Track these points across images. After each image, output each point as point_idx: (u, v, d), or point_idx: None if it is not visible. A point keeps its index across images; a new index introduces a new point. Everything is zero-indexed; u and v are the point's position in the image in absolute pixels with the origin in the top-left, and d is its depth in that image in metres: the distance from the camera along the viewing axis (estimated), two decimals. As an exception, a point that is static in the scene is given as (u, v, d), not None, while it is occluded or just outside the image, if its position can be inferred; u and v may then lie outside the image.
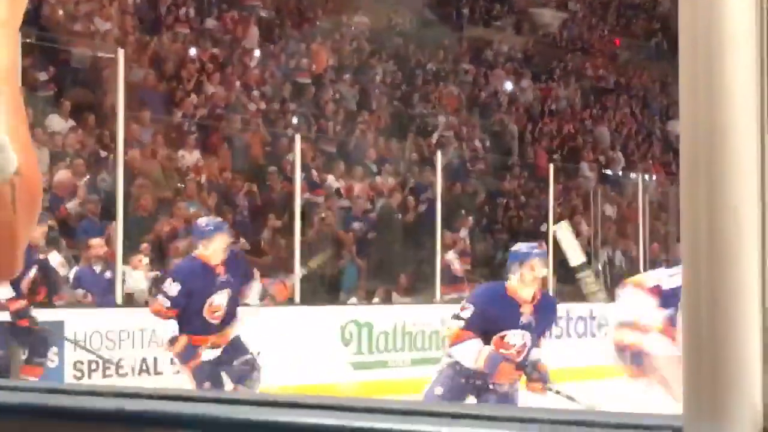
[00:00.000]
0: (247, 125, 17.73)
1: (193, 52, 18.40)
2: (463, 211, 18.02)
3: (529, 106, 23.71)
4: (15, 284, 9.89)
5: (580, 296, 17.69)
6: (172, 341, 9.13)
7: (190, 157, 16.10)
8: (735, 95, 1.15)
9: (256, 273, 10.21)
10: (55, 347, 11.01)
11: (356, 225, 16.81)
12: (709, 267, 1.15)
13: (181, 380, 9.65)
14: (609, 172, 22.73)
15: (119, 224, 12.11)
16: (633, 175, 20.97)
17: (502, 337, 7.74)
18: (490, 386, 7.71)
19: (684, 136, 1.17)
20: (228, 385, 9.26)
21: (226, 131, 17.27)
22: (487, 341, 7.69)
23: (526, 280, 7.87)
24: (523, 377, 8.06)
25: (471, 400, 7.73)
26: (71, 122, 15.15)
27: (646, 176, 20.87)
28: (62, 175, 14.04)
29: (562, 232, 16.34)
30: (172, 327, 9.09)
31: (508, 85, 23.92)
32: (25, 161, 1.29)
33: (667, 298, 7.35)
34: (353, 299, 15.57)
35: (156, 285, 9.79)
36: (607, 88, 26.29)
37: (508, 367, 7.68)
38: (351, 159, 18.20)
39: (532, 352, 7.95)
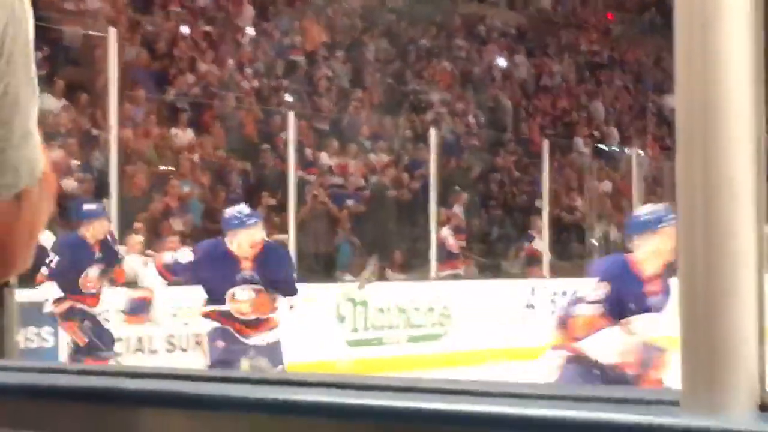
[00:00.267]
0: (240, 103, 17.70)
1: (185, 30, 18.35)
2: (457, 188, 18.02)
3: (523, 82, 23.68)
4: (70, 283, 10.11)
5: (575, 272, 17.71)
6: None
7: (184, 135, 16.08)
8: (730, 66, 1.14)
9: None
10: (50, 327, 11.02)
11: (350, 202, 16.80)
12: (704, 239, 1.14)
13: (178, 360, 9.68)
14: (603, 147, 22.72)
15: (113, 203, 12.10)
16: (627, 150, 20.96)
17: (627, 324, 6.16)
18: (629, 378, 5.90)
19: (679, 107, 1.17)
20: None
21: (219, 109, 17.24)
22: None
23: (660, 250, 6.06)
24: None
25: None
26: (64, 102, 15.12)
27: (641, 151, 20.86)
28: (55, 154, 14.02)
29: None
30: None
31: (502, 61, 23.89)
32: (45, 158, 1.32)
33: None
34: (348, 276, 15.58)
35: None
36: (601, 63, 26.26)
37: (662, 359, 6.02)
38: (344, 136, 18.18)
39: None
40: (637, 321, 6.15)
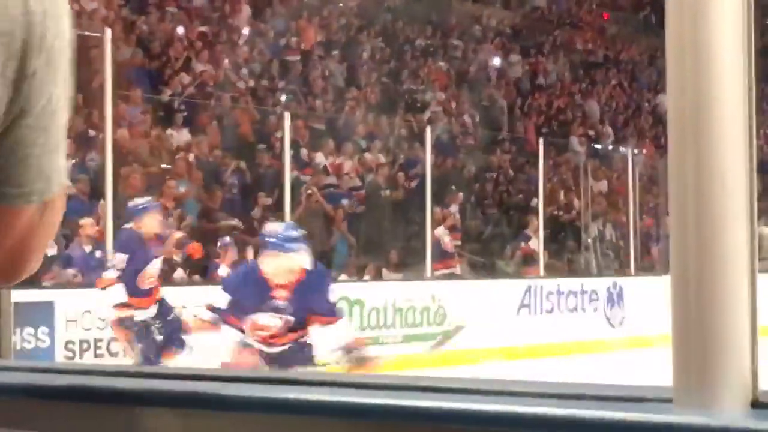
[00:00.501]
0: (235, 103, 17.70)
1: (180, 30, 18.34)
2: (453, 187, 18.02)
3: (518, 81, 23.69)
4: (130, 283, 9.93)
5: (570, 271, 17.76)
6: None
7: (179, 135, 16.07)
8: (722, 62, 1.15)
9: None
10: (46, 327, 11.02)
11: (346, 202, 16.80)
12: (697, 236, 1.15)
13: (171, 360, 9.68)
14: (599, 146, 22.73)
15: (108, 204, 12.09)
16: (623, 149, 20.97)
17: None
18: None
19: (671, 105, 1.17)
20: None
21: (214, 109, 17.23)
22: None
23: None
24: None
25: None
26: (59, 102, 15.08)
27: (636, 150, 20.88)
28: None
29: None
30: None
31: (497, 61, 23.89)
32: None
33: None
34: (344, 276, 15.57)
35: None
36: (596, 62, 26.28)
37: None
38: (340, 136, 18.18)
39: None
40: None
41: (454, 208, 17.73)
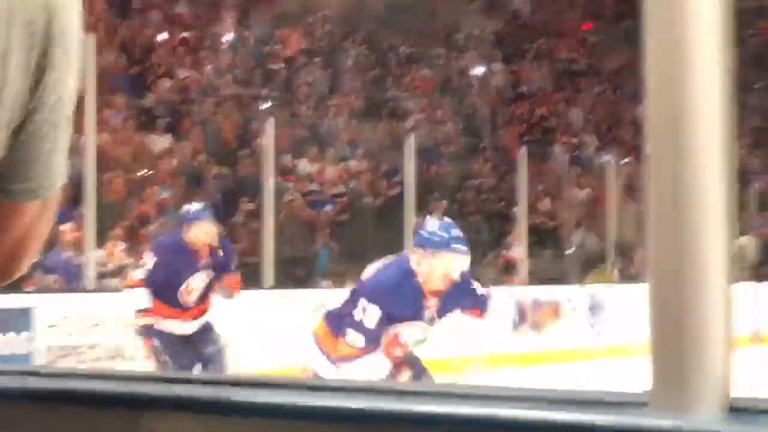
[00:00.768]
0: (218, 109, 17.68)
1: (164, 36, 18.33)
2: (435, 194, 18.03)
3: (501, 89, 23.72)
4: (165, 293, 9.18)
5: (552, 280, 17.77)
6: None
7: (162, 141, 16.05)
8: (699, 72, 1.16)
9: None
10: (28, 332, 10.99)
11: (328, 208, 16.80)
12: (674, 243, 1.16)
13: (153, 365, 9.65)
14: (581, 154, 22.77)
15: (90, 209, 12.07)
16: (605, 158, 21.01)
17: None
18: None
19: (649, 115, 1.19)
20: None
21: (197, 115, 17.22)
22: None
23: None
24: None
25: None
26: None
27: (619, 158, 20.93)
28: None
29: None
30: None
31: (480, 68, 23.92)
32: None
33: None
34: (325, 283, 15.56)
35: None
36: (578, 70, 26.32)
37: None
38: (323, 143, 18.19)
39: None
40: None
41: (436, 216, 17.73)
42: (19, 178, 1.25)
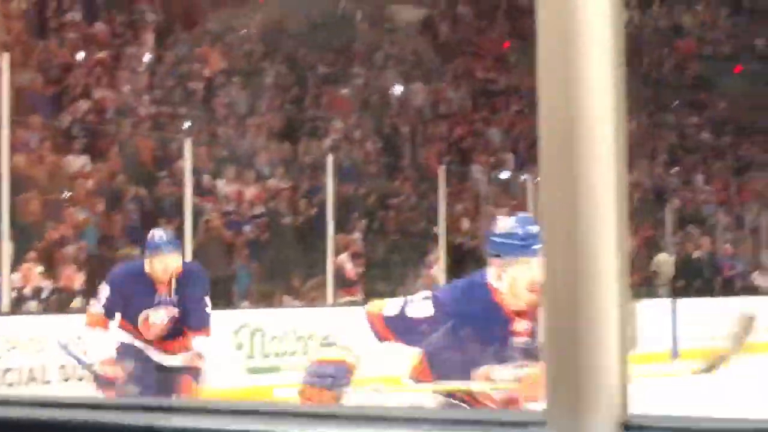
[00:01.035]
0: (137, 129, 17.57)
1: (81, 56, 18.18)
2: (355, 214, 18.05)
3: (420, 109, 23.82)
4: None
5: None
6: None
7: (79, 161, 15.91)
8: (591, 82, 1.17)
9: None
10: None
11: (248, 228, 16.75)
12: (567, 260, 1.17)
13: (70, 389, 9.56)
14: (500, 173, 22.90)
15: (4, 231, 11.92)
16: (524, 177, 21.16)
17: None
18: None
19: (543, 132, 1.19)
20: None
21: (115, 136, 17.09)
22: None
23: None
24: None
25: None
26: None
27: (537, 177, 21.08)
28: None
29: None
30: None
31: (400, 88, 24.00)
32: None
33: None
34: (245, 303, 15.51)
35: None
36: (497, 90, 26.50)
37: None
38: (242, 163, 18.13)
39: None
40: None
41: (356, 235, 17.75)
42: None
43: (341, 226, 16.78)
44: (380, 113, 22.64)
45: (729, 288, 21.92)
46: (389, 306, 5.02)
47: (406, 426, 1.29)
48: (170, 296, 8.21)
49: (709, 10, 32.56)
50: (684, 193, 25.08)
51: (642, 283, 20.15)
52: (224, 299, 15.44)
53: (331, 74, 22.87)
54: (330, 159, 16.02)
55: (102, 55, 18.43)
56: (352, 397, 5.05)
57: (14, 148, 13.18)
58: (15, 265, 12.48)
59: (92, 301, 8.45)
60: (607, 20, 1.18)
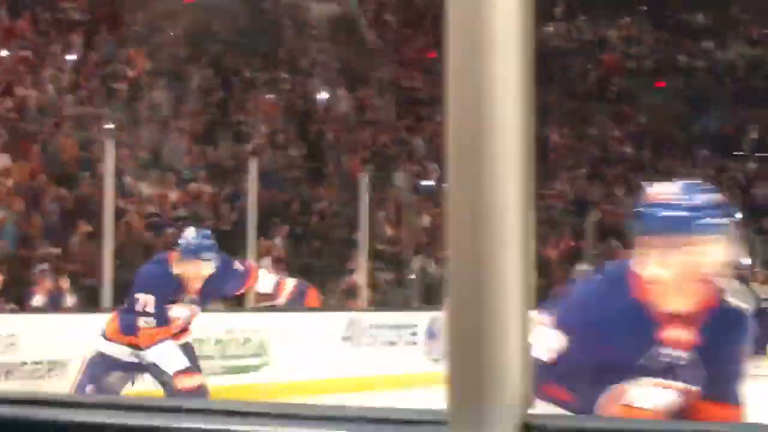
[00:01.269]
0: (59, 129, 17.40)
1: (3, 53, 17.99)
2: (278, 219, 18.01)
3: (344, 116, 23.83)
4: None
5: (392, 305, 17.87)
6: None
7: (-1, 160, 15.75)
8: (498, 92, 1.20)
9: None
10: None
11: (169, 231, 16.65)
12: (473, 261, 1.20)
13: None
14: (423, 182, 22.96)
15: None
16: (447, 185, 21.24)
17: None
18: None
19: (450, 140, 1.23)
20: None
21: (37, 135, 16.91)
22: None
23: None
24: None
25: None
26: None
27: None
28: None
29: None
30: None
31: (325, 94, 24.00)
32: None
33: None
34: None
35: None
36: (422, 98, 26.57)
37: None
38: (165, 165, 18.02)
39: None
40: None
41: (279, 241, 17.71)
42: None
43: (263, 231, 16.74)
44: (304, 119, 22.62)
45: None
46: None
47: (302, 423, 1.31)
48: (198, 295, 8.26)
49: (633, 25, 32.90)
50: (605, 205, 25.31)
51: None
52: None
53: (256, 79, 22.82)
54: (253, 163, 15.97)
55: (25, 52, 18.24)
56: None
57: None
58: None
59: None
60: (516, 33, 1.21)
